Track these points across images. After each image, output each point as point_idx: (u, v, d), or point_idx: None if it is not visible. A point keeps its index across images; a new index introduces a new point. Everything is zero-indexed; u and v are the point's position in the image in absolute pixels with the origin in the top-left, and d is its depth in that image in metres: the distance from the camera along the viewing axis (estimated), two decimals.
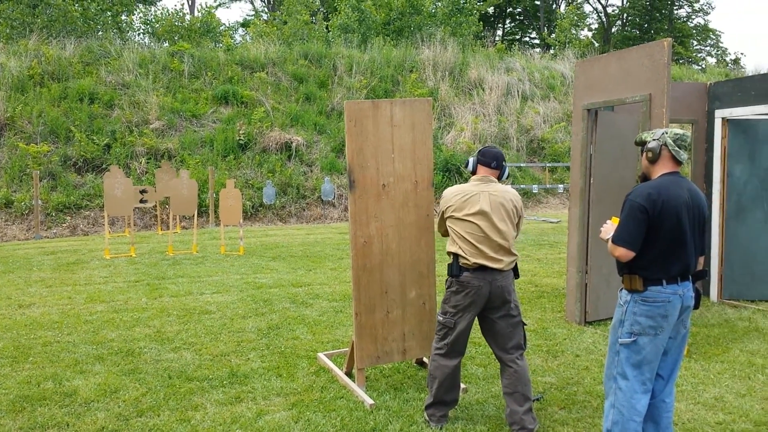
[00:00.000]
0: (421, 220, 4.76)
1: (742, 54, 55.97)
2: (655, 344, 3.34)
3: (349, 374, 4.81)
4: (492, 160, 4.06)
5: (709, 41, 43.72)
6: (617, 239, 3.38)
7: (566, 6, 41.16)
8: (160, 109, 17.27)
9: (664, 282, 3.33)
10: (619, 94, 5.83)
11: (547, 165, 20.45)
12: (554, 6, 45.05)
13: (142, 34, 28.56)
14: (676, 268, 3.34)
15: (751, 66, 45.46)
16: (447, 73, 22.30)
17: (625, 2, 43.41)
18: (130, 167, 15.61)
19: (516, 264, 4.04)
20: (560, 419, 4.12)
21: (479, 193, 3.96)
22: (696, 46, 43.25)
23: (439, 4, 28.92)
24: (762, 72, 22.95)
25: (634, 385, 3.36)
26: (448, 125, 20.65)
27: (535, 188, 19.45)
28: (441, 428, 3.98)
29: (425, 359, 4.97)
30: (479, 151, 4.14)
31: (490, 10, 42.43)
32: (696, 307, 3.48)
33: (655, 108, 5.42)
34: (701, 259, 3.56)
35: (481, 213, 3.91)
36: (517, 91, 22.65)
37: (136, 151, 15.96)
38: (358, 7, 27.50)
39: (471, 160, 4.14)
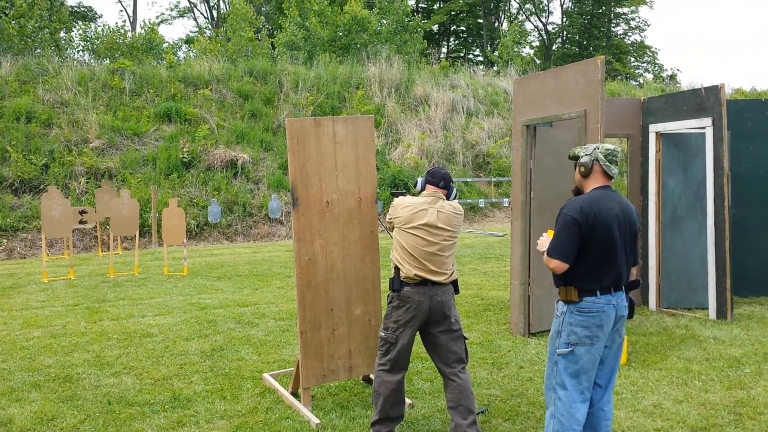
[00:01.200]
0: (365, 236, 4.76)
1: (678, 70, 58.20)
2: (591, 354, 3.42)
3: (295, 394, 4.76)
4: (440, 180, 4.11)
5: (645, 57, 45.34)
6: (552, 252, 3.46)
7: (508, 24, 42.15)
8: (100, 128, 16.88)
9: (598, 292, 3.42)
10: (556, 111, 5.99)
11: (493, 179, 20.80)
12: (497, 24, 46.07)
13: (82, 51, 27.94)
14: (609, 278, 3.44)
15: (686, 81, 47.36)
16: (393, 89, 22.50)
17: (564, 20, 44.71)
18: (69, 187, 15.18)
19: (456, 279, 4.10)
20: (504, 431, 4.16)
21: (428, 209, 4.01)
22: (633, 62, 44.78)
23: (385, 22, 29.23)
24: (696, 87, 23.92)
25: (572, 395, 3.42)
26: (395, 141, 20.80)
27: (481, 202, 19.73)
28: None
29: (372, 376, 4.96)
30: (428, 171, 4.19)
31: (435, 27, 43.14)
32: (630, 316, 3.58)
33: (590, 123, 5.59)
34: (634, 270, 3.67)
35: (427, 226, 3.96)
36: (462, 108, 23.00)
37: (76, 170, 15.54)
38: (304, 25, 27.55)
39: (420, 180, 4.19)
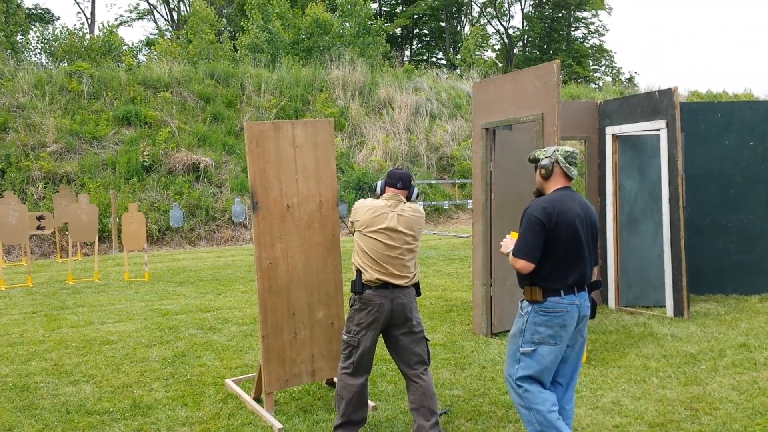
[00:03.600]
0: (327, 239, 4.76)
1: (635, 72, 59.42)
2: (554, 353, 3.51)
3: (257, 399, 4.73)
4: (397, 181, 4.11)
5: (604, 61, 46.18)
6: (517, 252, 3.52)
7: (470, 28, 42.52)
8: (57, 132, 16.54)
9: (562, 292, 3.50)
10: (514, 114, 6.08)
11: (457, 181, 20.97)
12: (459, 28, 46.44)
13: (39, 54, 27.34)
14: (573, 278, 3.52)
15: (644, 84, 48.34)
16: (357, 92, 22.52)
17: (525, 24, 45.29)
18: (26, 193, 14.84)
19: (417, 282, 4.13)
20: (467, 431, 4.20)
21: (388, 212, 4.01)
22: (592, 65, 45.57)
23: (347, 25, 29.24)
24: (653, 89, 24.46)
25: (536, 384, 3.54)
26: (359, 144, 20.82)
27: (445, 204, 19.87)
28: None
29: (335, 379, 4.96)
30: (388, 173, 4.18)
31: (398, 31, 43.29)
32: (592, 316, 3.69)
33: (547, 126, 5.68)
34: (596, 270, 3.78)
35: (387, 230, 3.96)
36: (426, 110, 23.14)
37: (33, 175, 15.21)
38: (266, 27, 27.40)
39: (379, 183, 4.20)
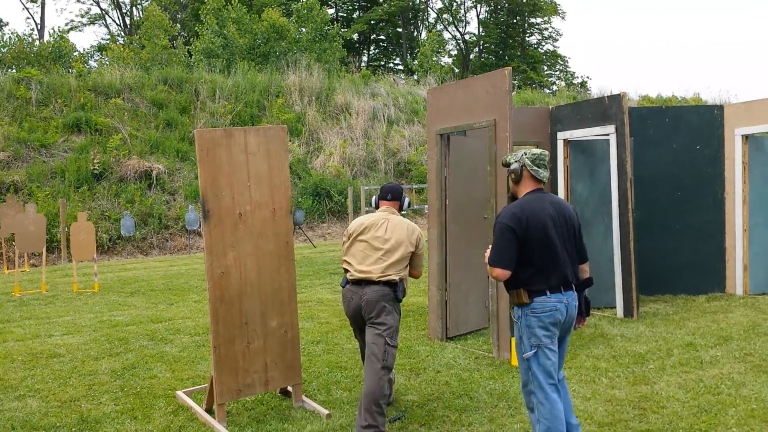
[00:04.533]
0: (280, 248, 4.72)
1: (588, 77, 60.63)
2: (554, 351, 3.58)
3: (209, 411, 4.65)
4: (387, 193, 4.54)
5: (558, 66, 47.03)
6: (492, 261, 3.58)
7: (427, 33, 42.82)
8: (4, 140, 16.06)
9: (548, 291, 3.56)
10: (468, 120, 6.13)
11: (414, 186, 21.04)
12: (416, 33, 46.73)
13: None
14: (555, 278, 3.58)
15: (597, 88, 49.34)
16: (314, 98, 22.45)
17: (481, 30, 45.83)
18: None
19: (399, 284, 4.26)
20: None
21: (379, 221, 4.37)
22: (547, 71, 46.35)
23: (304, 30, 29.13)
24: (606, 94, 25.01)
25: (550, 395, 3.53)
26: (316, 150, 20.74)
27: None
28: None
29: (289, 388, 4.91)
30: (381, 187, 4.59)
31: (355, 36, 43.33)
32: (587, 314, 3.79)
33: (499, 132, 5.74)
34: (585, 266, 3.83)
35: (376, 237, 4.30)
36: (383, 116, 23.19)
37: None
38: (221, 32, 27.11)
39: (374, 198, 4.64)
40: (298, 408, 4.74)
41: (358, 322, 4.33)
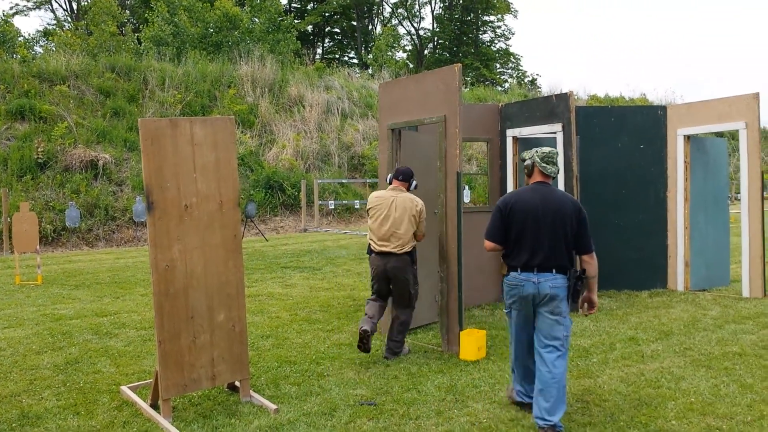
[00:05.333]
0: (228, 241, 4.66)
1: (538, 75, 61.61)
2: (521, 316, 4.32)
3: (154, 406, 4.57)
4: (399, 175, 5.72)
5: (510, 64, 47.64)
6: (485, 235, 4.37)
7: (382, 27, 42.80)
8: None
9: (519, 269, 4.21)
10: (419, 115, 6.16)
11: (368, 180, 21.06)
12: (370, 27, 46.67)
13: None
14: (527, 258, 4.17)
15: (547, 86, 50.20)
16: (266, 89, 22.22)
17: (435, 26, 46.06)
18: None
19: (412, 251, 5.62)
20: (368, 429, 4.22)
21: (389, 197, 5.60)
22: (499, 68, 46.91)
23: (257, 21, 28.76)
24: (555, 92, 25.44)
25: (513, 343, 4.48)
26: (269, 142, 20.54)
27: (356, 203, 19.92)
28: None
29: (237, 383, 4.86)
30: (395, 169, 5.84)
31: (309, 28, 43.01)
32: (574, 300, 4.25)
33: (449, 128, 5.79)
34: (585, 257, 4.26)
35: (385, 214, 5.56)
36: (337, 109, 23.12)
37: None
38: (172, 20, 26.55)
39: (388, 176, 5.85)
40: (245, 403, 4.70)
41: (383, 280, 5.65)
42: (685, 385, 5.02)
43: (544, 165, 4.27)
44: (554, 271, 4.14)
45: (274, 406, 4.54)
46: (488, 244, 4.34)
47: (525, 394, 4.52)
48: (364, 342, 5.45)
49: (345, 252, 13.25)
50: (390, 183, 5.71)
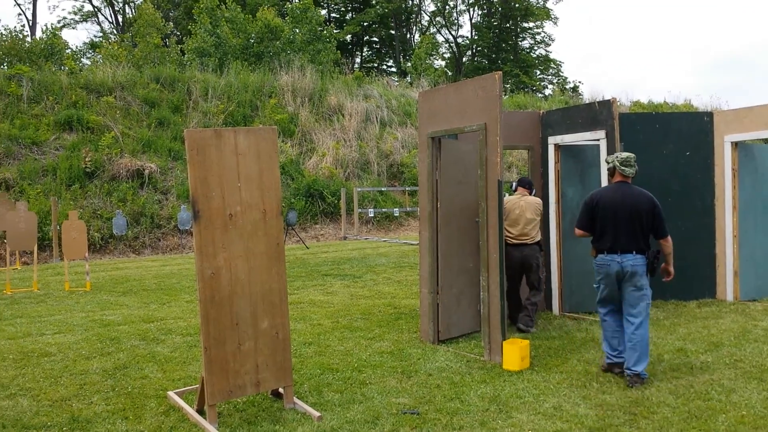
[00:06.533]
0: (271, 249, 4.73)
1: (579, 82, 60.87)
2: (608, 289, 5.37)
3: (200, 411, 4.65)
4: (524, 185, 7.26)
5: (550, 70, 47.17)
6: (576, 224, 5.55)
7: (420, 36, 42.87)
8: None
9: (605, 252, 5.30)
10: (459, 123, 6.15)
11: (407, 189, 21.07)
12: (409, 36, 46.78)
13: None
14: (611, 242, 5.25)
15: (588, 93, 49.52)
16: (306, 99, 22.45)
17: (474, 34, 45.93)
18: None
19: (539, 241, 7.07)
20: None
21: (518, 201, 7.02)
22: (539, 75, 46.48)
23: (298, 31, 29.11)
24: (597, 99, 25.13)
25: (602, 314, 5.55)
26: (309, 151, 20.74)
27: (396, 211, 19.95)
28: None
29: (281, 390, 4.92)
30: (518, 180, 7.32)
31: (348, 38, 43.33)
32: (652, 274, 5.30)
33: (490, 136, 5.77)
34: (662, 241, 5.38)
35: (518, 213, 6.94)
36: (376, 118, 23.22)
37: None
38: (214, 32, 27.06)
39: (514, 184, 7.32)
40: (289, 410, 4.74)
41: (518, 269, 6.97)
42: (736, 397, 4.89)
43: (622, 168, 5.31)
44: (634, 252, 5.20)
45: (317, 414, 4.57)
46: (578, 231, 5.50)
47: (614, 355, 5.44)
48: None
49: (385, 260, 13.28)
50: (515, 190, 7.17)
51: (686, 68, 71.83)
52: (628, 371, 5.19)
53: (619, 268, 5.21)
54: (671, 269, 5.49)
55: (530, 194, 7.19)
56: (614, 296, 5.37)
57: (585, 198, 5.46)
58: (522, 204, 6.96)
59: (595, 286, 5.52)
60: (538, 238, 7.05)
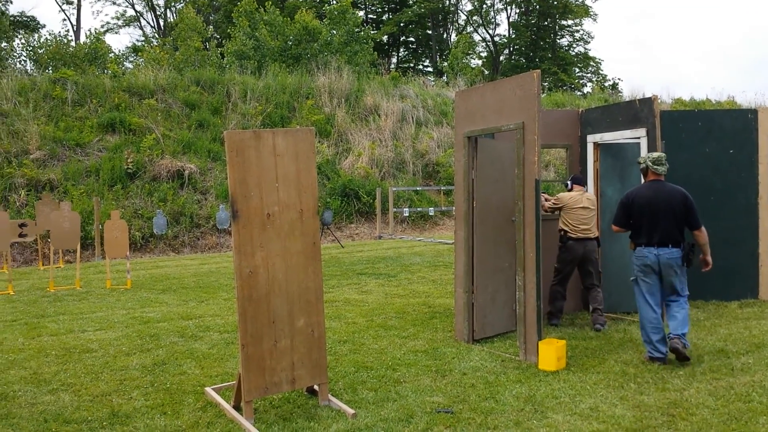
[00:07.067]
0: (308, 248, 4.77)
1: (619, 79, 59.82)
2: (647, 280, 5.76)
3: (237, 407, 4.72)
4: (580, 182, 7.36)
5: (589, 68, 46.50)
6: (613, 221, 6.03)
7: (457, 35, 42.69)
8: (41, 139, 16.45)
9: (644, 245, 5.72)
10: (496, 123, 6.12)
11: (443, 188, 21.01)
12: (445, 35, 46.64)
13: (24, 61, 27.21)
14: (649, 236, 5.66)
15: (628, 90, 48.64)
16: (343, 99, 22.56)
17: (511, 32, 45.56)
18: (8, 200, 14.74)
19: (598, 236, 7.26)
20: None
21: (579, 197, 7.16)
22: (578, 73, 45.86)
23: (335, 33, 29.28)
24: (638, 96, 24.71)
25: (642, 305, 5.82)
26: (345, 151, 20.84)
27: (431, 211, 19.91)
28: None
29: (316, 387, 4.96)
30: (572, 177, 7.43)
31: (384, 38, 43.40)
32: (688, 265, 5.71)
33: (528, 135, 5.73)
34: (696, 232, 5.77)
35: (582, 207, 7.10)
36: (412, 117, 23.21)
37: (15, 182, 15.11)
38: (253, 35, 27.39)
39: (569, 182, 7.38)
40: (324, 407, 4.79)
41: (578, 263, 7.17)
42: None
43: (655, 167, 5.73)
44: (670, 245, 5.62)
45: (352, 411, 4.60)
46: (615, 228, 5.96)
47: (656, 350, 5.71)
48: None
49: (419, 259, 13.27)
50: (570, 189, 7.29)
51: (730, 65, 70.10)
52: (672, 334, 5.65)
53: (656, 260, 5.63)
54: (709, 259, 5.86)
55: (586, 189, 7.55)
56: (654, 288, 5.75)
57: (621, 197, 5.85)
58: (584, 199, 7.18)
59: (632, 278, 5.87)
60: (597, 233, 7.32)
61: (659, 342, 5.69)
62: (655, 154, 5.72)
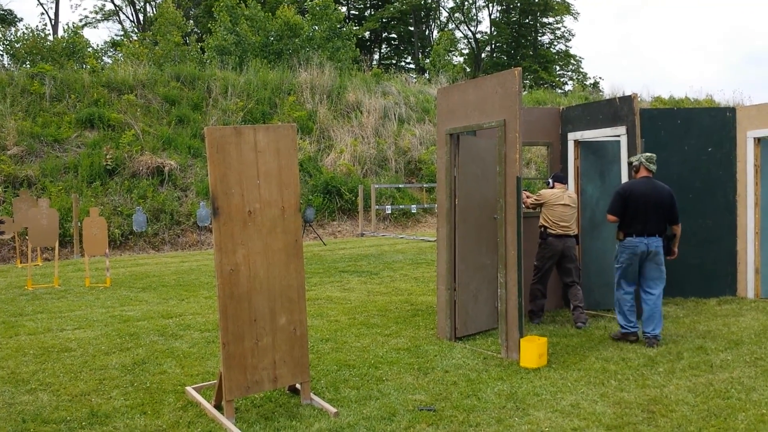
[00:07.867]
0: (289, 245, 4.74)
1: (600, 78, 60.22)
2: (631, 267, 6.32)
3: (218, 407, 4.68)
4: (561, 180, 7.38)
5: (570, 66, 46.75)
6: (608, 210, 6.42)
7: (438, 32, 42.73)
8: (18, 134, 16.21)
9: (634, 235, 6.23)
10: (478, 120, 6.13)
11: (425, 185, 21.04)
12: (427, 32, 46.65)
13: (0, 55, 26.78)
14: (640, 227, 6.19)
15: (608, 89, 48.96)
16: (325, 96, 22.48)
17: (492, 30, 45.68)
18: None
19: (577, 234, 7.40)
20: None
21: (560, 194, 7.21)
22: (559, 71, 46.09)
23: (317, 29, 29.15)
24: (617, 95, 24.86)
25: (622, 289, 6.42)
26: (327, 147, 20.77)
27: (413, 208, 19.92)
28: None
29: (298, 386, 4.94)
30: (553, 175, 7.46)
31: (366, 34, 43.32)
32: (669, 254, 6.41)
33: (509, 133, 5.74)
34: (674, 227, 6.40)
35: (563, 204, 7.15)
36: (394, 114, 23.19)
37: None
38: (234, 30, 27.18)
39: (550, 180, 7.41)
40: (306, 405, 4.77)
41: (557, 259, 7.21)
42: (756, 396, 4.83)
43: (648, 164, 6.30)
44: (657, 235, 6.21)
45: (334, 410, 4.59)
46: (611, 217, 6.37)
47: (630, 326, 6.37)
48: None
49: (402, 257, 13.27)
50: (552, 187, 7.33)
51: (708, 64, 70.90)
52: (648, 334, 6.24)
53: (646, 248, 6.19)
54: (676, 249, 6.52)
55: (567, 187, 7.69)
56: (635, 274, 6.34)
57: (617, 189, 6.42)
58: (565, 197, 7.28)
59: (617, 265, 6.40)
60: (577, 230, 7.48)
61: (629, 311, 6.38)
62: (647, 154, 6.36)
